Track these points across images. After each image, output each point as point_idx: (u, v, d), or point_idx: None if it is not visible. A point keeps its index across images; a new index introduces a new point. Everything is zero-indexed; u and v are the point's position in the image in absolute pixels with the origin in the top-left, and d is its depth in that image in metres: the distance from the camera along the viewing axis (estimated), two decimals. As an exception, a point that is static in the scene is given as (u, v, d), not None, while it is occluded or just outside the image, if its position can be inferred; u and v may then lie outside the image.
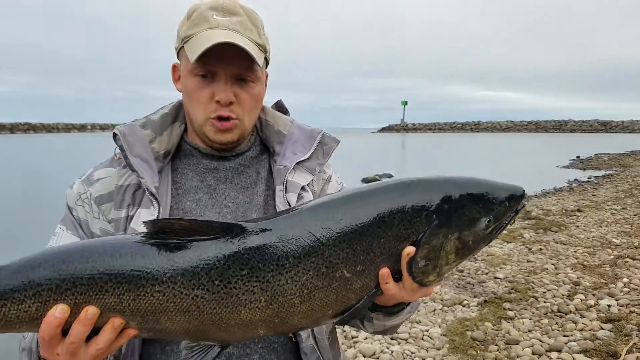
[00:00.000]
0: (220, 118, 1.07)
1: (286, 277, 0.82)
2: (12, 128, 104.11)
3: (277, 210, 1.10)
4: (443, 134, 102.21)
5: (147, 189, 1.05)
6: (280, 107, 1.28)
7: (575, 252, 6.87)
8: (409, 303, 1.04)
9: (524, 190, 0.97)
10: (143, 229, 0.94)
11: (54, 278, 0.78)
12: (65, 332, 0.79)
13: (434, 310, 4.99)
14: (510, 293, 5.36)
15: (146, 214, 1.05)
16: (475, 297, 5.32)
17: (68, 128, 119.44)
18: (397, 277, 0.89)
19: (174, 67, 1.16)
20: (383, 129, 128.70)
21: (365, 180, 15.91)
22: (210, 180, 1.15)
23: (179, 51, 1.11)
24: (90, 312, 0.77)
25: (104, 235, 1.07)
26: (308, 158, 1.18)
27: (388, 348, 4.12)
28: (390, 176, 17.56)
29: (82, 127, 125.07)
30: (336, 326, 1.22)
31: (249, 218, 1.11)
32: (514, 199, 0.94)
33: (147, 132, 1.13)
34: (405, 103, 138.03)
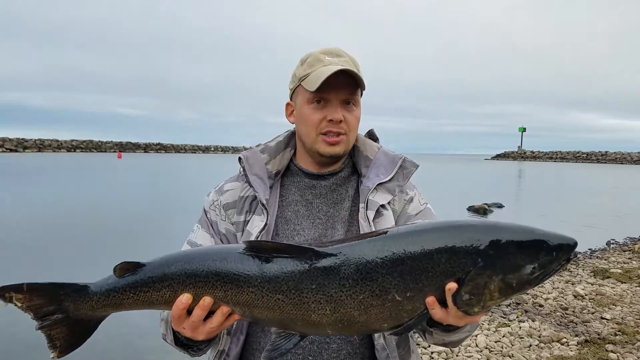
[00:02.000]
0: (331, 133, 1.30)
1: (346, 294, 1.00)
2: (146, 147, 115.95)
3: (360, 224, 1.33)
4: (565, 163, 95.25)
5: (260, 201, 1.32)
6: (371, 135, 1.50)
7: (700, 298, 6.29)
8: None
9: (575, 242, 1.02)
10: (255, 232, 1.30)
11: (181, 275, 1.04)
12: (189, 312, 1.05)
13: (530, 345, 4.92)
14: (615, 335, 5.11)
15: (258, 220, 1.32)
16: (576, 336, 5.15)
17: (194, 149, 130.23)
18: (445, 304, 1.01)
19: (288, 105, 1.42)
20: (498, 156, 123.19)
21: (472, 209, 15.48)
22: (308, 195, 1.38)
23: (294, 90, 1.37)
24: (206, 301, 1.03)
25: (228, 234, 1.36)
26: (389, 180, 1.37)
27: (476, 376, 4.18)
28: (500, 206, 16.93)
29: (206, 149, 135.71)
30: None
31: (335, 229, 1.36)
32: (562, 250, 1.00)
33: (265, 156, 1.40)
34: (524, 129, 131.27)
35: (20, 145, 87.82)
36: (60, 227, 11.80)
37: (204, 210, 1.41)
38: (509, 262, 0.98)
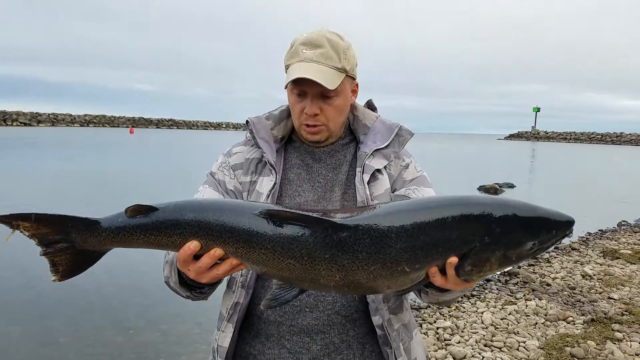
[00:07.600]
0: (308, 126, 1.39)
1: (358, 265, 1.03)
2: (158, 123, 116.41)
3: (356, 187, 1.40)
4: (579, 144, 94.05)
5: (268, 162, 1.41)
6: (370, 105, 1.58)
7: None
8: None
9: (572, 220, 1.08)
10: (265, 191, 1.38)
11: (194, 224, 1.06)
12: (196, 257, 1.09)
13: (536, 323, 4.94)
14: (622, 315, 5.11)
15: (267, 180, 1.41)
16: (582, 315, 5.16)
17: (206, 126, 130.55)
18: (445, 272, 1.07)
19: None
20: (511, 136, 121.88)
21: (483, 188, 15.39)
22: (308, 159, 1.47)
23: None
24: (217, 252, 1.07)
25: (236, 191, 1.44)
26: (385, 147, 1.44)
27: (479, 354, 4.22)
28: (512, 186, 16.86)
29: (218, 125, 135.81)
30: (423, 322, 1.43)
31: (333, 191, 1.42)
32: (561, 229, 1.06)
33: (270, 122, 1.48)
34: (538, 109, 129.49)
35: (34, 119, 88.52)
36: (77, 191, 11.99)
37: (211, 172, 1.49)
38: (512, 239, 1.03)
